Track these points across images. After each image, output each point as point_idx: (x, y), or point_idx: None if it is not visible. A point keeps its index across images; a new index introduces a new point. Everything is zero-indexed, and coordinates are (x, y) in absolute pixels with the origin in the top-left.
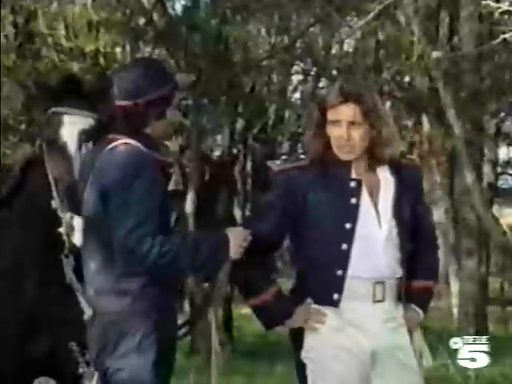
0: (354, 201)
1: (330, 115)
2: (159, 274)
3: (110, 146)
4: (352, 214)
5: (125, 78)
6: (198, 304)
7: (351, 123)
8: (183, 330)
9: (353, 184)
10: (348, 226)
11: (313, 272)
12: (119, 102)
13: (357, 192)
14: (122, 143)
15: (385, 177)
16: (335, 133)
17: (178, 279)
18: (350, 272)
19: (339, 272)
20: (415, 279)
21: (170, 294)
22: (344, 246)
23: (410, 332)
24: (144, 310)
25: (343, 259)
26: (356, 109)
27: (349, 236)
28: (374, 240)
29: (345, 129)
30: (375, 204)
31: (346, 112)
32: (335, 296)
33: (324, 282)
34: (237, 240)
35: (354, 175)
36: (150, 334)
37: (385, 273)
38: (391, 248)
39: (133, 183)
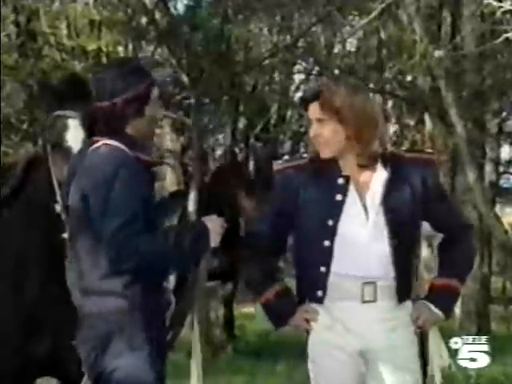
0: (339, 197)
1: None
2: (145, 272)
3: (92, 148)
4: (335, 210)
5: (101, 80)
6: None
7: (318, 120)
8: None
9: (341, 181)
10: (330, 222)
11: (301, 270)
12: (99, 104)
13: (343, 189)
14: (103, 144)
15: (379, 174)
16: (310, 132)
17: (162, 278)
18: (333, 269)
19: (322, 269)
20: (437, 277)
21: (155, 293)
22: (326, 243)
23: (424, 332)
24: (128, 309)
25: (326, 256)
26: (318, 106)
27: (331, 232)
28: (359, 237)
29: (315, 126)
30: (363, 201)
31: (313, 110)
32: (319, 293)
33: (309, 279)
34: (215, 228)
35: (343, 172)
36: (138, 334)
37: (374, 272)
38: (381, 247)
39: (113, 183)
